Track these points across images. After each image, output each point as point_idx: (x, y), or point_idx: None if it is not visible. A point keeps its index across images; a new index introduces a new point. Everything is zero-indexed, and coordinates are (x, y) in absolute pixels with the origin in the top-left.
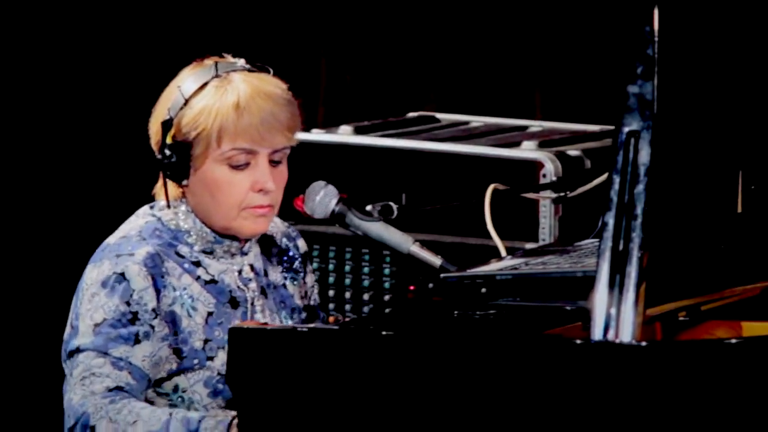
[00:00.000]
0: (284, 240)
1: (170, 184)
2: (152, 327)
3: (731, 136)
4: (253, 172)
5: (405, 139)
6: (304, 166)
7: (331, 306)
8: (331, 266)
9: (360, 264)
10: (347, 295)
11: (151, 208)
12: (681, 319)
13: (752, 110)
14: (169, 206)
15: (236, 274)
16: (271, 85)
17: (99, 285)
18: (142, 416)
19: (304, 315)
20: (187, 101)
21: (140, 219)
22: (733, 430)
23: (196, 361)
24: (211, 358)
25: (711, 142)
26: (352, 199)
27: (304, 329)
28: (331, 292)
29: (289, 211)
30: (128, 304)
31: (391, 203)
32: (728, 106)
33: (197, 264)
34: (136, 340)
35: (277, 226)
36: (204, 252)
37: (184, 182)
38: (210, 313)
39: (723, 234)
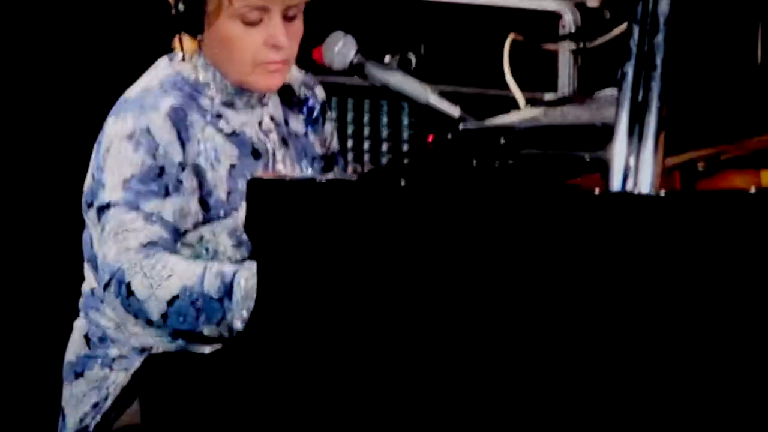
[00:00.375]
0: (303, 89)
1: (186, 37)
2: (179, 181)
3: None
4: (266, 28)
5: None
6: (323, 16)
7: (350, 156)
8: (349, 117)
9: (378, 114)
10: (366, 145)
11: (171, 60)
12: (700, 168)
13: None
14: (184, 59)
15: (257, 125)
16: None
17: (125, 139)
18: (177, 270)
19: (323, 163)
20: None
21: (160, 71)
22: (751, 280)
23: (222, 212)
24: (235, 209)
25: None
26: (371, 50)
27: (323, 180)
28: (349, 143)
29: (307, 61)
30: (155, 158)
31: (410, 54)
32: None
33: (219, 116)
34: (166, 193)
35: (294, 76)
36: (224, 104)
37: (199, 36)
38: (233, 165)
39: (742, 84)
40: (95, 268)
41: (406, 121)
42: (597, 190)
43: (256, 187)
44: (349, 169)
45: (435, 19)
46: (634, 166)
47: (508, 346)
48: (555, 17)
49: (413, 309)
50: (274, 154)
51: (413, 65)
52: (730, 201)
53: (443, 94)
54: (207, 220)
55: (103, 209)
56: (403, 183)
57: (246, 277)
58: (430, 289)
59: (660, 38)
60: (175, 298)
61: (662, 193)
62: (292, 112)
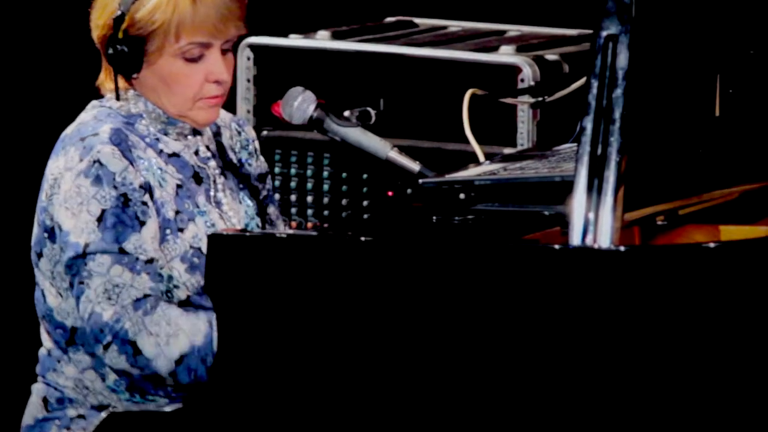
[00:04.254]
0: (233, 125)
1: (119, 77)
2: (145, 204)
3: (709, 40)
4: (207, 64)
5: (383, 44)
6: (283, 71)
7: (310, 212)
8: (309, 172)
9: (338, 170)
10: (325, 200)
11: (100, 101)
12: (659, 223)
13: (730, 13)
14: (118, 98)
15: (194, 154)
16: None
17: (79, 175)
18: (182, 327)
19: (262, 196)
20: None
21: (92, 110)
22: (710, 335)
23: (168, 231)
24: (181, 230)
25: (689, 46)
26: (330, 105)
27: (283, 235)
28: (309, 198)
29: (267, 116)
30: (116, 187)
31: (369, 108)
32: (706, 9)
33: (156, 140)
34: (139, 222)
35: (224, 115)
36: (159, 132)
37: (135, 75)
38: (179, 185)
39: (701, 138)
40: (51, 323)
41: (366, 176)
42: (556, 246)
43: (216, 243)
44: (308, 224)
45: (394, 73)
46: (593, 221)
47: (466, 403)
48: (514, 71)
49: (372, 359)
50: (215, 182)
51: (372, 120)
52: (690, 256)
53: (403, 149)
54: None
55: (78, 258)
56: (363, 238)
57: None
58: (390, 342)
59: (619, 92)
60: (184, 356)
61: (622, 248)
62: (225, 147)
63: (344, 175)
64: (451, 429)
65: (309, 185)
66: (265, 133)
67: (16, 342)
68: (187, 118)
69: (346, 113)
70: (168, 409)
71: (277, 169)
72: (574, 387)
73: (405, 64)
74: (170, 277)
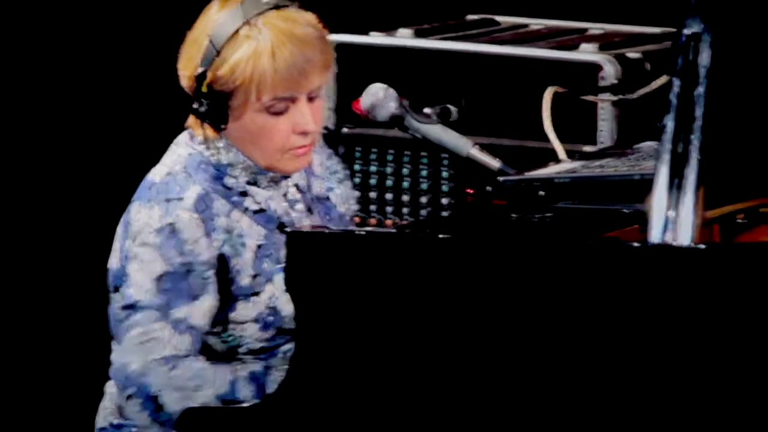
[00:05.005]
0: (324, 154)
1: (208, 127)
2: (206, 279)
3: None
4: (293, 115)
5: (464, 42)
6: (364, 69)
7: (389, 209)
8: (389, 169)
9: (418, 167)
10: (405, 198)
11: (191, 137)
12: (739, 221)
13: None
14: (208, 148)
15: (282, 197)
16: (301, 24)
17: (153, 233)
18: (206, 378)
19: (347, 224)
20: (219, 52)
21: (182, 149)
22: None
23: (241, 298)
24: (257, 293)
25: None
26: (411, 102)
27: (362, 233)
28: (389, 196)
29: (348, 113)
30: (182, 254)
31: (450, 106)
32: None
33: (244, 194)
34: (195, 295)
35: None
36: (248, 183)
37: (222, 127)
38: (259, 246)
39: None
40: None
41: (445, 174)
42: (636, 243)
43: (296, 240)
44: (388, 222)
45: (475, 71)
46: (673, 219)
47: (544, 399)
48: (595, 69)
49: (453, 360)
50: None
51: (453, 117)
52: None
53: (483, 146)
54: (226, 307)
55: (130, 308)
56: (441, 236)
57: (277, 378)
58: (470, 340)
59: (700, 90)
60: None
61: (702, 245)
62: (314, 175)
63: (424, 172)
64: (536, 429)
65: (389, 183)
66: (345, 130)
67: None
68: (276, 169)
69: (427, 111)
70: (247, 404)
71: (357, 167)
72: (658, 384)
73: (486, 62)
74: (242, 338)
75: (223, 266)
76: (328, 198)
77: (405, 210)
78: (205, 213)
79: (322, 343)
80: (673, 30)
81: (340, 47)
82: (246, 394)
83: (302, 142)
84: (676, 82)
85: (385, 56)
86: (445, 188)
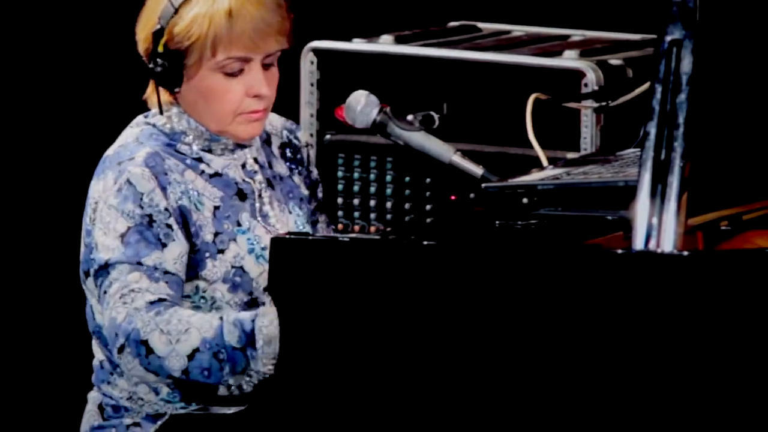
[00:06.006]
0: (285, 132)
1: (162, 91)
2: (170, 227)
3: None
4: (247, 78)
5: (446, 49)
6: (346, 75)
7: (372, 216)
8: (372, 176)
9: (401, 174)
10: (388, 204)
11: (146, 117)
12: (723, 228)
13: None
14: (161, 112)
15: (240, 168)
16: None
17: (111, 195)
18: (193, 323)
19: (313, 205)
20: (177, 10)
21: (135, 128)
22: None
23: (207, 254)
24: (221, 251)
25: (753, 50)
26: (394, 109)
27: (345, 239)
28: (372, 202)
29: (330, 120)
30: (141, 207)
31: (433, 113)
32: None
33: (199, 160)
34: (162, 243)
35: (276, 122)
36: (203, 150)
37: (176, 89)
38: (216, 207)
39: (765, 143)
40: (101, 339)
41: (428, 180)
42: (619, 250)
43: (279, 246)
44: (372, 228)
45: (457, 77)
46: (656, 226)
47: (525, 407)
48: (577, 76)
49: (434, 363)
50: (260, 195)
51: (436, 124)
52: (753, 261)
53: (466, 153)
54: (195, 264)
55: (102, 270)
56: (425, 242)
57: (265, 323)
58: (452, 346)
59: (683, 97)
60: (195, 351)
61: (685, 253)
62: (274, 156)
63: (407, 179)
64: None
65: (372, 189)
66: (328, 137)
67: (72, 350)
68: (227, 134)
69: (410, 117)
70: (231, 411)
71: (340, 173)
72: (640, 391)
73: (468, 69)
74: (213, 300)
75: (184, 219)
76: (290, 177)
77: (388, 216)
78: (156, 168)
79: (306, 350)
80: (655, 36)
81: (322, 53)
82: (231, 339)
83: (255, 107)
84: (659, 89)
85: (367, 62)
86: (427, 195)
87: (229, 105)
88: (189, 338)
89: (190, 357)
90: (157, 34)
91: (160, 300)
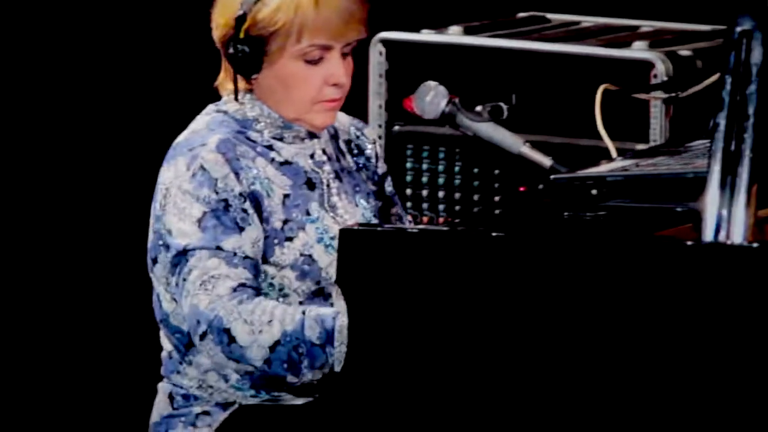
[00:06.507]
0: (352, 129)
1: (240, 78)
2: (245, 211)
3: None
4: (327, 66)
5: (515, 40)
6: (415, 66)
7: (441, 207)
8: (440, 167)
9: (470, 165)
10: (457, 196)
11: (216, 105)
12: None
13: None
14: (237, 98)
15: (309, 158)
16: None
17: (185, 181)
18: (276, 315)
19: (377, 201)
20: None
21: (206, 116)
22: None
23: (276, 241)
24: (290, 239)
25: None
26: (462, 100)
27: (414, 230)
28: (440, 194)
29: (399, 111)
30: (217, 192)
31: (502, 104)
32: None
33: (269, 147)
34: (239, 227)
35: (343, 118)
36: (274, 138)
37: (254, 76)
38: (286, 195)
39: None
40: (168, 327)
41: (497, 171)
42: (689, 242)
43: (348, 237)
44: (440, 219)
45: (526, 68)
46: (726, 218)
47: (602, 394)
48: (647, 67)
49: (504, 356)
50: (328, 186)
51: (505, 115)
52: None
53: (535, 144)
54: (264, 249)
55: (179, 256)
56: (494, 234)
57: (345, 323)
58: (521, 339)
59: (753, 88)
60: (277, 343)
61: (755, 244)
62: (341, 150)
63: (476, 170)
64: (592, 428)
65: (440, 180)
66: (396, 128)
67: (145, 341)
68: (303, 122)
69: (478, 108)
70: (300, 401)
71: (408, 164)
72: (708, 382)
73: (537, 60)
74: (281, 286)
75: (257, 204)
76: (357, 171)
77: (457, 208)
78: (228, 154)
79: (374, 341)
80: (724, 27)
81: (391, 44)
82: (312, 335)
83: (333, 95)
84: (728, 80)
85: (435, 53)
86: (496, 186)
87: (309, 92)
88: (271, 330)
89: (272, 349)
90: (240, 20)
91: (242, 285)
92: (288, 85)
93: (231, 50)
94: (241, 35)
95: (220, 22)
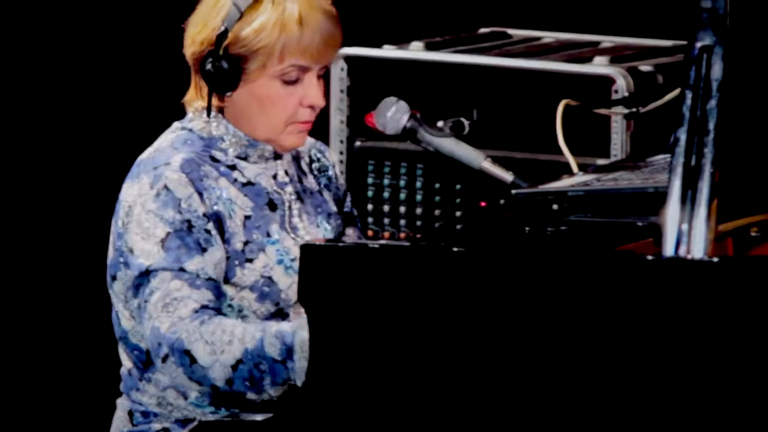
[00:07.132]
0: (313, 150)
1: (214, 95)
2: (208, 232)
3: None
4: (304, 87)
5: (476, 55)
6: (376, 82)
7: (402, 222)
8: (402, 182)
9: (431, 180)
10: (418, 211)
11: (181, 122)
12: (753, 234)
13: None
14: (209, 114)
15: (272, 178)
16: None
17: (149, 200)
18: (236, 334)
19: (340, 221)
20: (243, 14)
21: (171, 133)
22: None
23: (236, 263)
24: (251, 260)
25: None
26: (424, 115)
27: (375, 245)
28: (402, 209)
29: (360, 126)
30: (180, 213)
31: (463, 119)
32: None
33: (233, 168)
34: (202, 248)
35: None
36: (238, 157)
37: (228, 94)
38: (247, 217)
39: None
40: (127, 344)
41: (458, 186)
42: (649, 256)
43: (309, 253)
44: (401, 234)
45: (488, 84)
46: (687, 232)
47: (563, 410)
48: (608, 82)
49: (466, 370)
50: (290, 207)
51: (466, 130)
52: None
53: (496, 159)
54: (224, 270)
55: (142, 276)
56: (455, 249)
57: (305, 337)
58: (481, 352)
59: (713, 103)
60: (239, 362)
61: (715, 259)
62: (303, 172)
63: (437, 185)
64: None
65: (402, 195)
66: (358, 143)
67: (101, 357)
68: (274, 142)
69: (440, 124)
70: (259, 418)
71: (370, 180)
72: (668, 395)
73: (498, 75)
74: (241, 308)
75: (219, 224)
76: (319, 192)
77: (418, 223)
78: (192, 174)
79: (335, 356)
80: (685, 43)
81: (353, 60)
82: (273, 351)
83: (307, 117)
84: (689, 95)
85: (397, 69)
86: (457, 201)
87: (284, 113)
88: (232, 349)
89: (234, 368)
90: (221, 37)
91: (203, 307)
92: (264, 104)
93: (208, 66)
94: (221, 52)
95: (198, 38)
